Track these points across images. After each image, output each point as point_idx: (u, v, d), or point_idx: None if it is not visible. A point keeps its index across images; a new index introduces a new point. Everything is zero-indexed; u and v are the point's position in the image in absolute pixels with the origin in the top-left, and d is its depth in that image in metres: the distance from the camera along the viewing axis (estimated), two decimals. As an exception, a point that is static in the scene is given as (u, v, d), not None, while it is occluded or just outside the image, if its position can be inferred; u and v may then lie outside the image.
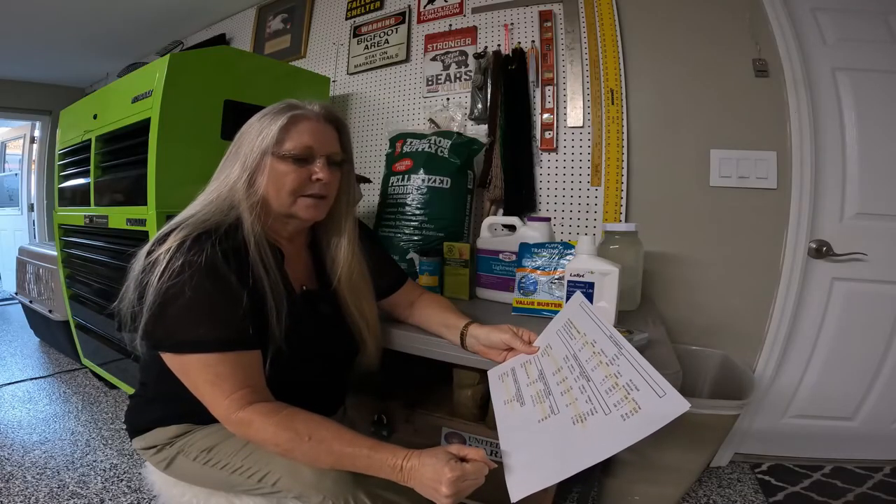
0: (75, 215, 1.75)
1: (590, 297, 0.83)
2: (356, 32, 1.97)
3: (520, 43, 1.60)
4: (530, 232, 1.17)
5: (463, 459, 0.59)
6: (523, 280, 1.03)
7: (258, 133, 0.72)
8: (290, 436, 0.62)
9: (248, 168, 0.71)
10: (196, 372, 0.65)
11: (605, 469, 1.14)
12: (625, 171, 1.45)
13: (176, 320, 0.63)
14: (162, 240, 0.65)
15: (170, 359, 0.66)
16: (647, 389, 0.54)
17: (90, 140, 1.61)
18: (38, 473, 1.35)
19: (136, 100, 1.37)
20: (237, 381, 0.64)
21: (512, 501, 0.55)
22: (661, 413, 0.51)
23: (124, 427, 1.23)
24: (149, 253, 0.65)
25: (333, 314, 0.82)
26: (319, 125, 0.76)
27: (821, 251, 1.33)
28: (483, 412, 1.15)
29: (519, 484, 0.56)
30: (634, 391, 0.55)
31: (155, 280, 0.61)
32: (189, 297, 0.62)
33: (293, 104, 0.76)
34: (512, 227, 1.23)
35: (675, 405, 0.50)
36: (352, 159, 0.83)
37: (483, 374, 0.82)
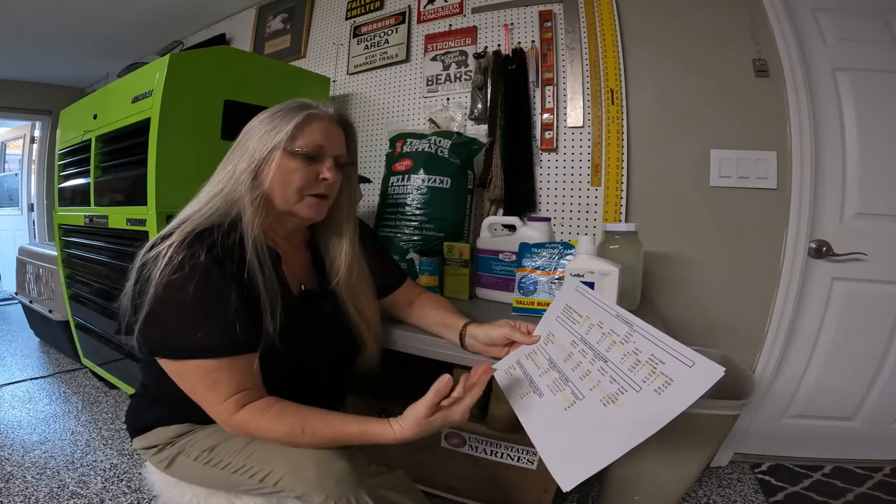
0: (75, 215, 1.75)
1: (590, 296, 0.83)
2: (356, 32, 1.97)
3: (520, 43, 1.60)
4: (530, 232, 1.17)
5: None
6: (523, 280, 1.03)
7: (271, 128, 0.72)
8: (286, 430, 0.65)
9: (255, 161, 0.71)
10: (194, 378, 0.65)
11: (604, 469, 1.14)
12: (625, 171, 1.45)
13: (172, 326, 0.64)
14: (166, 236, 0.66)
15: (167, 364, 0.67)
16: (672, 362, 0.53)
17: (90, 140, 1.61)
18: (38, 473, 1.35)
19: (136, 100, 1.37)
20: (233, 385, 0.65)
21: (564, 490, 0.54)
22: (695, 382, 0.50)
23: (124, 427, 1.23)
24: (152, 247, 0.65)
25: (334, 313, 0.82)
26: (331, 126, 0.77)
27: (821, 251, 1.33)
28: (483, 412, 1.15)
29: (568, 473, 0.55)
30: (661, 364, 0.54)
31: (156, 274, 0.62)
32: (185, 303, 0.62)
33: (308, 104, 0.76)
34: (512, 227, 1.23)
35: (709, 372, 0.49)
36: (356, 163, 0.84)
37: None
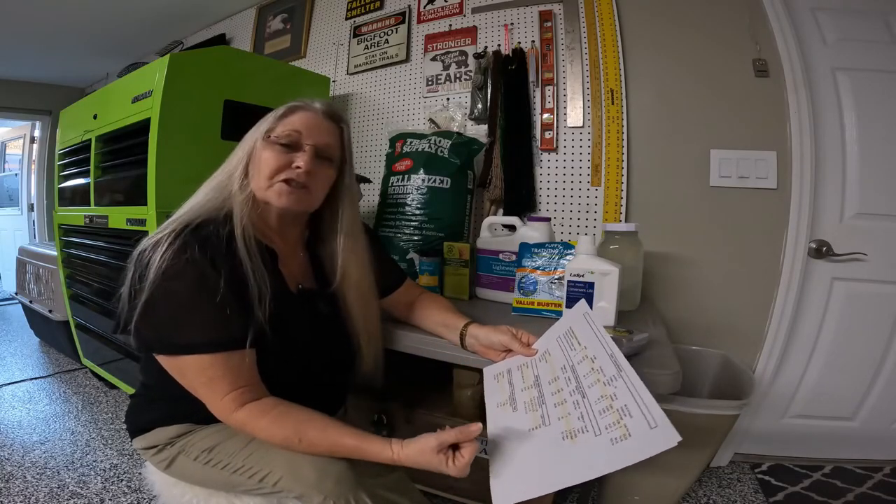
0: (75, 215, 1.75)
1: (590, 297, 0.83)
2: (356, 32, 1.97)
3: (520, 43, 1.60)
4: (530, 232, 1.17)
5: (453, 446, 0.60)
6: (523, 280, 1.03)
7: (260, 122, 0.76)
8: (283, 437, 0.65)
9: (246, 154, 0.75)
10: (192, 374, 0.66)
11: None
12: (625, 171, 1.45)
13: (167, 323, 0.64)
14: (165, 227, 0.67)
15: (164, 360, 0.67)
16: (640, 418, 0.54)
17: (90, 140, 1.61)
18: (38, 473, 1.35)
19: (136, 100, 1.37)
20: (230, 382, 0.65)
21: None
22: (649, 444, 0.51)
23: (124, 427, 1.23)
24: (148, 240, 0.66)
25: (333, 314, 0.82)
26: (316, 118, 0.77)
27: (821, 251, 1.33)
28: (483, 412, 1.14)
29: (503, 492, 0.56)
30: (627, 417, 0.54)
31: (151, 268, 0.62)
32: (178, 298, 0.62)
33: (299, 100, 0.78)
34: (512, 227, 1.23)
35: (666, 438, 0.50)
36: (350, 160, 0.83)
37: (483, 374, 0.82)
